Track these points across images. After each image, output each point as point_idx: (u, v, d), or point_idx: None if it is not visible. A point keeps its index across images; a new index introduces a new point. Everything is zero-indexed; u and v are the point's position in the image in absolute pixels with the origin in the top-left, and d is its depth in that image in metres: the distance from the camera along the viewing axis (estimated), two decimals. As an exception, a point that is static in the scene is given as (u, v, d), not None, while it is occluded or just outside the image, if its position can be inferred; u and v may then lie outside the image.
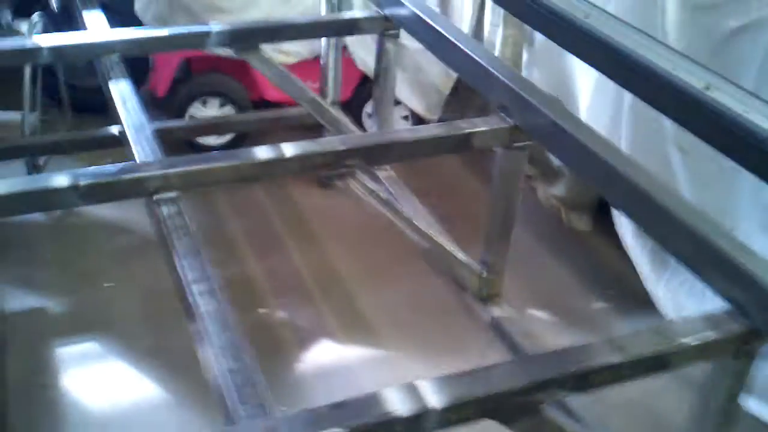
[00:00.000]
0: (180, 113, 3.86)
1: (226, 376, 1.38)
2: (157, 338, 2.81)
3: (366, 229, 3.31)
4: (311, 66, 3.71)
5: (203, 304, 1.56)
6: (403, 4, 2.66)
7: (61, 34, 2.57)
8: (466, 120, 2.17)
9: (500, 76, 2.20)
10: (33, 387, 2.59)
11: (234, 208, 3.53)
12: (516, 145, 2.16)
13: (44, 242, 3.25)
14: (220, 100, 3.89)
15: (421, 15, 2.58)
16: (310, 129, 3.76)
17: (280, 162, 1.96)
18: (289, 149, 1.96)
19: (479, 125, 2.12)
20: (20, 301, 2.96)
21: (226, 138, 3.96)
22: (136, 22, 3.82)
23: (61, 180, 1.77)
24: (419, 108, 3.92)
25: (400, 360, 2.77)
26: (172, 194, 1.85)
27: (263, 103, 3.99)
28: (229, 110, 3.91)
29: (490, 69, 2.24)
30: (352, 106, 3.93)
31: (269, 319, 2.94)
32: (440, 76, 3.85)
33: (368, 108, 4.05)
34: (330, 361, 2.79)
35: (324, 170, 2.06)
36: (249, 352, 1.46)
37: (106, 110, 4.05)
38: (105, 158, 3.78)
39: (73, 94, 3.91)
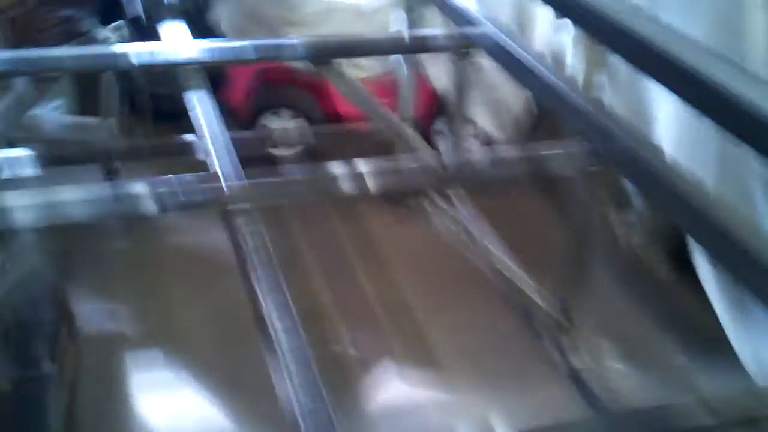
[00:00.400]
0: (251, 124, 3.92)
1: (305, 417, 1.37)
2: (227, 362, 2.81)
3: (437, 254, 3.29)
4: (384, 82, 3.72)
5: (281, 332, 1.55)
6: (481, 23, 2.64)
7: (144, 44, 2.62)
8: (544, 143, 2.14)
9: (578, 101, 2.17)
10: (103, 408, 2.62)
11: (301, 221, 3.55)
12: (593, 171, 2.13)
13: (121, 263, 3.30)
14: (292, 113, 3.94)
15: (499, 35, 2.55)
16: (381, 145, 3.76)
17: (355, 180, 1.95)
18: (365, 167, 1.96)
19: (556, 149, 2.09)
20: (96, 321, 3.00)
21: (296, 150, 4.00)
22: (209, 31, 3.90)
23: (139, 188, 1.80)
24: (490, 127, 3.90)
25: (470, 402, 2.71)
26: (248, 206, 1.86)
27: (335, 117, 4.01)
28: (300, 123, 3.95)
29: (568, 93, 2.21)
30: (423, 123, 3.93)
31: (336, 349, 2.92)
32: (513, 95, 3.83)
33: (437, 125, 4.05)
34: (398, 397, 2.75)
35: (397, 190, 2.03)
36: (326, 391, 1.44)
37: (180, 118, 4.17)
38: (178, 165, 3.86)
39: (149, 102, 4.00)
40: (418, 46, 2.89)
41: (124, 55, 2.51)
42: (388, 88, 3.64)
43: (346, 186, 1.97)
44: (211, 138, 2.17)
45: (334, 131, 3.71)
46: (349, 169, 1.95)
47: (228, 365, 2.80)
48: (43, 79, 2.44)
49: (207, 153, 2.13)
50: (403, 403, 2.74)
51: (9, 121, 2.64)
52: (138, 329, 3.05)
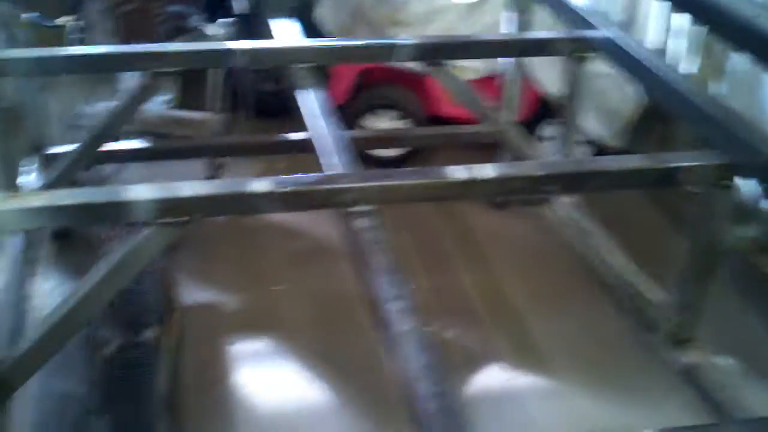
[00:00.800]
0: (353, 123, 3.90)
1: (428, 401, 1.34)
2: (325, 343, 2.82)
3: (540, 252, 3.22)
4: (488, 83, 3.66)
5: (401, 323, 1.52)
6: (596, 27, 2.55)
7: (255, 41, 2.62)
8: (673, 153, 2.04)
9: (706, 107, 2.06)
10: (204, 382, 2.65)
11: (403, 219, 3.52)
12: (724, 183, 2.02)
13: (224, 240, 3.34)
14: (395, 113, 3.90)
15: (616, 38, 2.47)
16: (485, 148, 3.70)
17: (476, 183, 1.89)
18: (486, 171, 1.89)
19: (687, 160, 1.98)
20: (198, 295, 3.05)
21: (398, 151, 3.97)
22: (314, 29, 3.90)
23: (261, 185, 1.77)
24: (601, 134, 3.79)
25: (574, 395, 2.65)
26: (368, 208, 1.82)
27: (437, 119, 3.96)
28: (403, 123, 3.91)
29: (695, 99, 2.10)
30: (527, 127, 3.84)
31: (436, 339, 2.90)
32: (625, 102, 3.71)
33: (542, 130, 3.96)
34: (499, 387, 2.72)
35: (519, 195, 1.97)
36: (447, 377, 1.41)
37: (283, 115, 4.20)
38: (281, 163, 3.89)
39: (254, 98, 4.03)
40: (531, 49, 2.82)
41: (237, 52, 2.52)
42: (491, 89, 3.58)
43: (466, 189, 1.92)
44: (324, 137, 2.15)
45: (439, 133, 3.65)
46: (470, 172, 1.89)
47: (331, 345, 2.82)
48: (155, 74, 2.46)
49: (322, 152, 2.11)
50: (502, 390, 2.73)
51: (123, 115, 2.69)
52: (238, 304, 3.08)
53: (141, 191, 1.72)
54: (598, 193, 2.02)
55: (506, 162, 3.32)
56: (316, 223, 3.36)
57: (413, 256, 3.33)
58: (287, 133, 3.45)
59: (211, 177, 3.59)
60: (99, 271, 1.91)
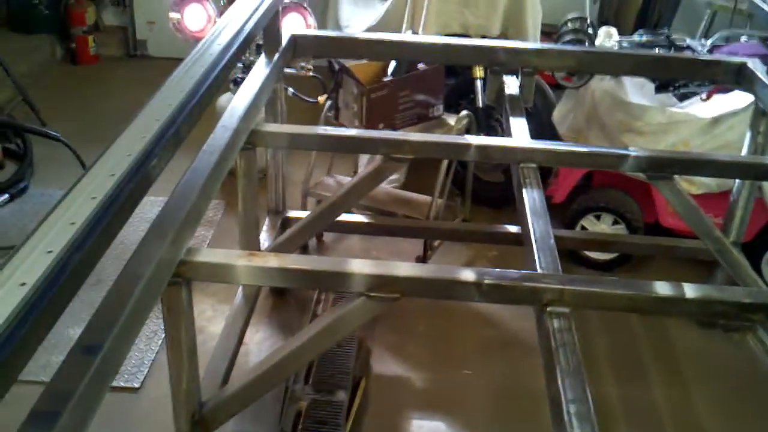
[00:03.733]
0: (572, 224, 3.95)
1: None
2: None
3: (740, 379, 3.10)
4: (714, 199, 3.59)
5: (578, 426, 1.58)
6: None
7: (488, 137, 2.79)
8: None
9: None
10: None
11: (603, 322, 3.52)
12: None
13: (420, 316, 3.50)
14: (614, 217, 3.91)
15: None
16: (701, 264, 3.63)
17: (678, 301, 1.91)
18: (690, 290, 1.91)
19: None
20: (388, 366, 3.22)
21: (610, 255, 3.97)
22: (550, 128, 4.03)
23: (468, 275, 1.91)
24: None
25: None
26: (565, 309, 1.90)
27: (656, 228, 3.93)
28: (619, 228, 3.92)
29: None
30: (753, 250, 3.71)
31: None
32: None
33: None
34: None
35: (722, 320, 1.95)
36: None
37: (504, 206, 4.36)
38: (492, 251, 4.03)
39: (475, 186, 4.22)
40: (763, 173, 2.76)
41: (471, 147, 2.70)
42: (717, 206, 3.51)
43: (668, 306, 1.94)
44: (537, 236, 2.24)
45: (656, 244, 3.63)
46: (674, 289, 1.92)
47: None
48: (395, 158, 2.69)
49: (530, 249, 2.21)
50: None
51: (359, 192, 2.96)
52: (425, 382, 3.20)
53: (360, 265, 1.92)
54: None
55: (716, 284, 3.26)
56: (515, 316, 3.44)
57: (605, 361, 3.31)
58: (501, 225, 3.62)
59: (423, 257, 3.78)
60: (309, 331, 2.13)
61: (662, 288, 1.93)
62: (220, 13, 4.17)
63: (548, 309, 1.90)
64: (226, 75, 2.27)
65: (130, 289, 1.56)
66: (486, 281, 1.90)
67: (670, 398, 3.14)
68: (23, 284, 1.25)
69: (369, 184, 2.91)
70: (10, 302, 1.21)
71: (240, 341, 2.78)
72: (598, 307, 1.95)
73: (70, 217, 1.45)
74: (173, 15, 4.27)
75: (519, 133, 2.89)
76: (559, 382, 1.70)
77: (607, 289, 1.92)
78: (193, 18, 4.28)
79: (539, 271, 2.07)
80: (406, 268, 1.93)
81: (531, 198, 2.45)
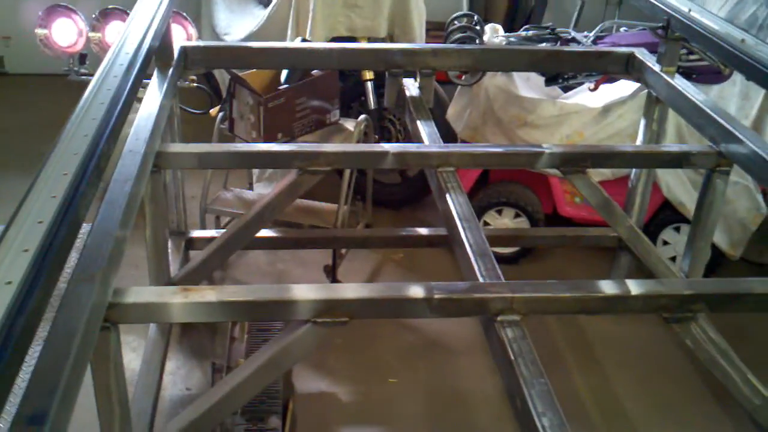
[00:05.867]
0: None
1: None
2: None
3: (658, 361, 3.20)
4: (611, 187, 3.69)
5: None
6: (741, 141, 2.54)
7: (404, 144, 2.73)
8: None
9: None
10: None
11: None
12: None
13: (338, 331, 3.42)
14: (515, 211, 3.95)
15: (763, 153, 2.44)
16: (602, 251, 3.72)
17: (623, 299, 1.92)
18: (634, 287, 1.92)
19: None
20: (311, 383, 3.12)
21: (512, 249, 4.01)
22: (445, 127, 4.02)
23: (416, 291, 1.85)
24: (721, 243, 3.75)
25: None
26: (515, 317, 1.86)
27: (554, 218, 4.00)
28: (521, 221, 3.96)
29: None
30: (647, 232, 3.83)
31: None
32: (750, 211, 3.67)
33: (664, 235, 3.94)
34: None
35: (665, 313, 1.97)
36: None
37: (400, 206, 4.34)
38: (398, 254, 3.99)
39: (374, 189, 4.17)
40: (672, 161, 2.81)
41: (389, 153, 2.61)
42: (618, 193, 3.60)
43: (613, 304, 1.95)
44: (470, 242, 2.20)
45: (561, 234, 3.68)
46: (619, 288, 1.92)
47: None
48: (310, 171, 2.58)
49: (465, 257, 2.16)
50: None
51: (274, 209, 2.83)
52: (351, 395, 3.13)
53: (305, 291, 1.82)
54: (745, 313, 2.00)
55: (621, 269, 3.36)
56: (432, 319, 3.41)
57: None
58: (410, 228, 3.58)
59: (332, 265, 3.69)
60: (251, 364, 2.00)
61: (608, 287, 1.93)
62: (92, 26, 3.92)
63: (498, 318, 1.86)
64: (134, 96, 2.11)
65: (65, 347, 1.41)
66: (436, 296, 1.84)
67: (592, 386, 3.19)
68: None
69: (285, 199, 2.79)
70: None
71: (161, 377, 2.62)
72: (549, 311, 1.93)
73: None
74: (40, 31, 3.98)
75: (430, 137, 2.85)
76: (526, 394, 1.67)
77: (556, 293, 1.90)
78: (62, 33, 4.00)
79: (481, 279, 2.03)
80: (353, 290, 1.85)
81: (456, 203, 2.41)
